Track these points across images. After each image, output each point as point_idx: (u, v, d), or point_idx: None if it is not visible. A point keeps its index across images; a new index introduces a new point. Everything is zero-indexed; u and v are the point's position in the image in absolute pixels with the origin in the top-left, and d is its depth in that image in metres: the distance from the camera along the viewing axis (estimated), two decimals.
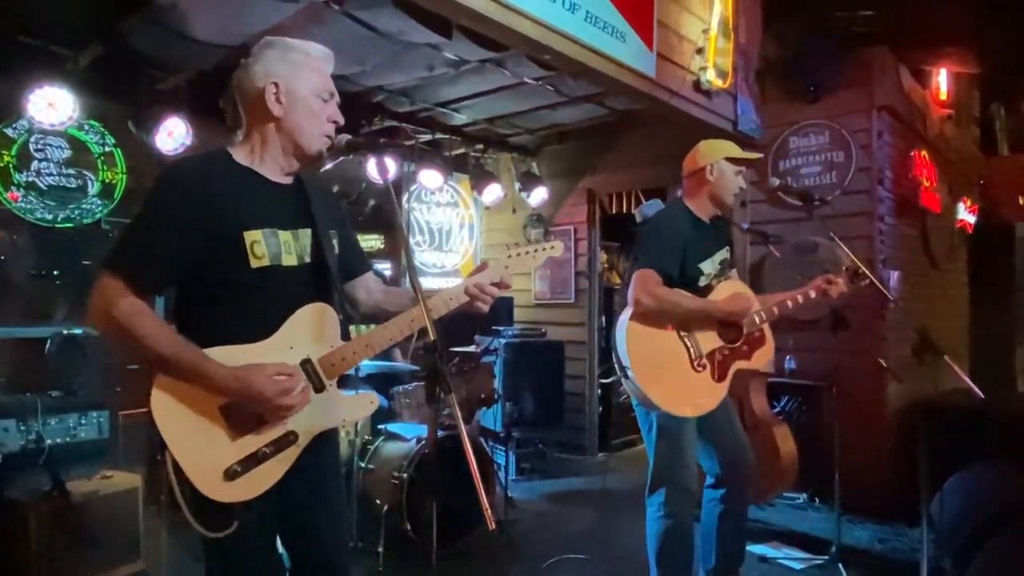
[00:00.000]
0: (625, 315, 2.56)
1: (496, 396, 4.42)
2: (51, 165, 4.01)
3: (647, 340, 2.52)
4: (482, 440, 4.09)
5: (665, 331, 2.54)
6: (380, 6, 3.16)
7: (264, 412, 1.50)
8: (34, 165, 3.94)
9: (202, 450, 1.47)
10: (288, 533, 1.68)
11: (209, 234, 1.48)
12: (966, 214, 6.26)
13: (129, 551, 3.27)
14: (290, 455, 1.55)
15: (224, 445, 1.48)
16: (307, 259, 1.64)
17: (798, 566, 3.47)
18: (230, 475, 1.47)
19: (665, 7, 3.88)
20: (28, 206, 3.92)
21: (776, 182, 3.24)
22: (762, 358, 2.68)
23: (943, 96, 5.64)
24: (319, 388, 1.59)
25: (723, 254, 2.72)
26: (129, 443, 3.92)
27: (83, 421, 3.54)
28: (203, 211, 1.48)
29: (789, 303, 2.64)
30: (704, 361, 2.56)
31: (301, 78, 1.59)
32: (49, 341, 3.77)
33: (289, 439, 1.54)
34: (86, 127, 4.09)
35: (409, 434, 3.65)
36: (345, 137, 1.69)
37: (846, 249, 2.62)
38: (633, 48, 3.61)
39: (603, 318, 6.04)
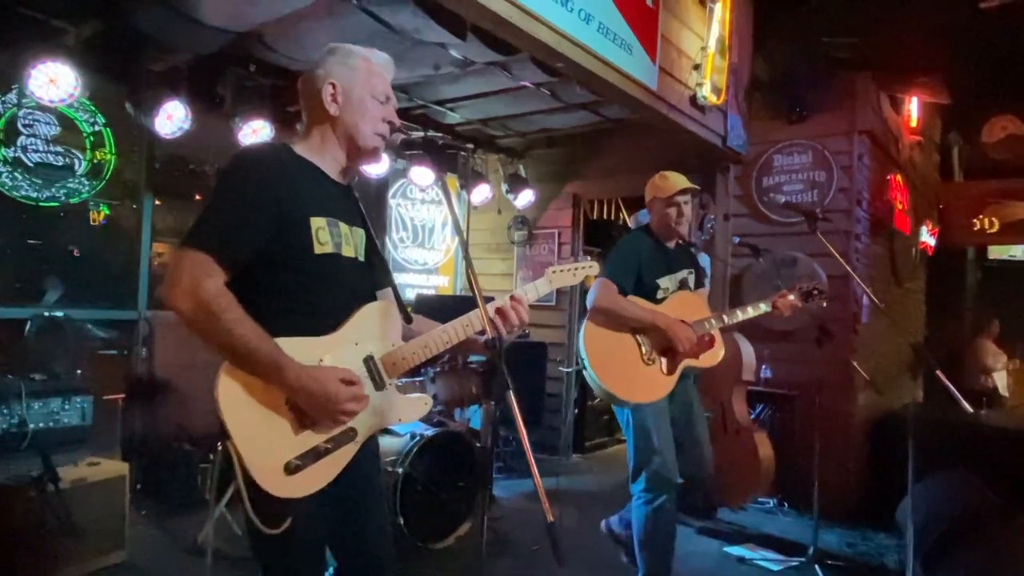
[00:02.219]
0: (586, 318, 2.92)
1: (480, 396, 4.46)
2: (38, 142, 3.89)
3: (602, 337, 2.85)
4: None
5: (619, 331, 2.86)
6: (400, 3, 3.18)
7: (328, 415, 1.49)
8: (20, 141, 3.82)
9: (264, 443, 1.45)
10: (338, 532, 1.66)
11: (280, 216, 1.49)
12: (928, 236, 6.59)
13: (114, 540, 3.22)
14: (348, 452, 1.56)
15: (286, 439, 1.47)
16: (361, 257, 1.68)
17: (775, 567, 3.61)
18: (290, 469, 1.45)
19: (668, 23, 3.99)
20: (13, 183, 3.79)
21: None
22: (710, 359, 2.95)
23: (913, 123, 5.92)
24: (379, 386, 1.60)
25: (684, 275, 3.05)
26: (105, 430, 3.84)
27: (66, 406, 3.44)
28: (277, 192, 1.49)
29: (739, 312, 2.98)
30: (654, 356, 2.87)
31: (358, 80, 1.63)
32: (29, 323, 3.66)
33: (349, 435, 1.55)
34: (76, 105, 3.98)
35: (403, 429, 3.66)
36: (400, 137, 1.73)
37: (849, 267, 2.76)
38: (638, 60, 3.71)
39: (583, 321, 6.13)
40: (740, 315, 2.96)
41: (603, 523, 3.35)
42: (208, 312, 1.38)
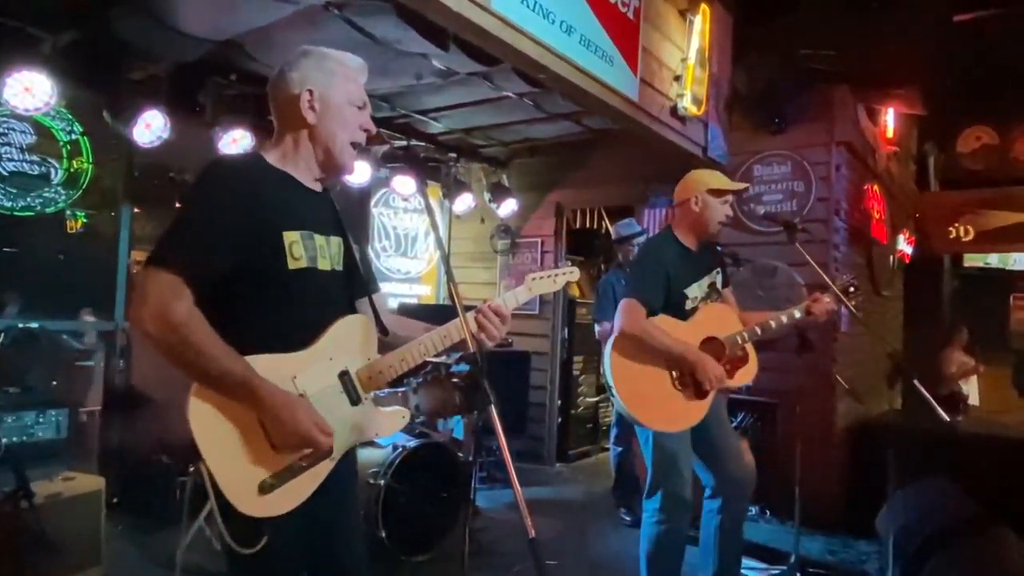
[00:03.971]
0: (611, 340, 2.72)
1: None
2: (13, 150, 3.83)
3: (630, 363, 2.68)
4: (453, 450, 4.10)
5: (648, 356, 2.68)
6: (382, 14, 3.18)
7: (289, 448, 1.47)
8: None
9: (237, 462, 1.42)
10: (314, 549, 1.63)
11: (252, 232, 1.46)
12: (905, 245, 6.68)
13: (91, 556, 3.15)
14: (323, 469, 1.53)
15: (260, 458, 1.44)
16: (338, 267, 1.65)
17: None
18: (264, 489, 1.43)
19: (648, 35, 4.03)
20: None
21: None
22: (744, 376, 2.81)
23: (890, 134, 6.02)
24: (355, 401, 1.59)
25: (712, 277, 2.87)
26: (81, 443, 3.78)
27: (40, 420, 3.38)
28: (249, 207, 1.46)
29: (772, 323, 2.77)
30: (686, 380, 2.68)
31: (335, 86, 1.60)
32: (2, 334, 3.59)
33: (324, 453, 1.52)
34: (52, 113, 3.93)
35: (385, 441, 3.64)
36: (382, 149, 1.73)
37: (827, 277, 2.79)
38: (620, 72, 3.74)
39: (566, 330, 6.15)
40: (773, 325, 2.76)
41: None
42: (177, 335, 1.35)
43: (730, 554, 2.90)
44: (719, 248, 3.08)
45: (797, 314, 2.78)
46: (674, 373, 2.69)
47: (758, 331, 2.76)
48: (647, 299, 2.66)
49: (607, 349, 2.74)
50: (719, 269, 2.92)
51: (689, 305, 2.78)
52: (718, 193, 2.79)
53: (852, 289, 2.79)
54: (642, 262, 2.87)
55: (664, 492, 2.71)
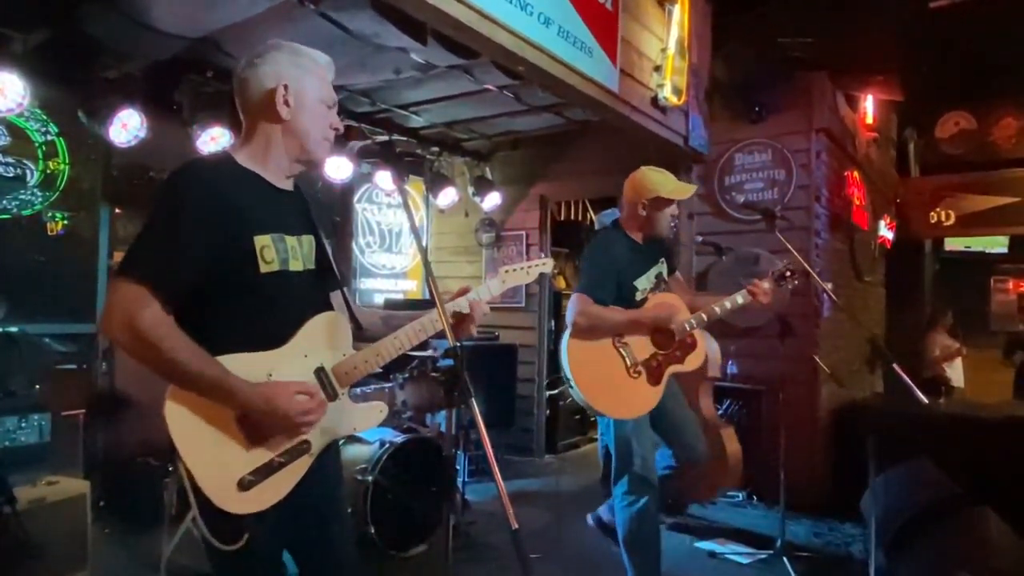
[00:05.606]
0: (566, 333, 2.86)
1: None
2: None
3: (585, 354, 2.81)
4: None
5: (601, 344, 2.82)
6: (358, 8, 3.16)
7: (284, 430, 1.49)
8: None
9: (216, 461, 1.44)
10: (299, 543, 1.65)
11: (222, 237, 1.45)
12: (886, 231, 6.75)
13: (76, 560, 3.13)
14: (302, 465, 1.54)
15: (238, 455, 1.46)
16: (311, 266, 1.65)
17: (745, 560, 3.68)
18: (244, 486, 1.44)
19: (628, 25, 4.02)
20: None
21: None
22: (694, 361, 2.96)
23: (869, 120, 6.07)
24: (332, 397, 1.59)
25: (658, 268, 3.00)
26: (65, 446, 3.75)
27: (23, 424, 3.37)
28: (218, 213, 1.45)
29: (717, 308, 2.88)
30: (640, 368, 2.84)
31: (308, 83, 1.59)
32: None
33: (302, 448, 1.54)
34: (26, 114, 3.87)
35: (372, 436, 3.64)
36: (358, 144, 1.72)
37: (807, 265, 2.82)
38: (599, 63, 3.74)
39: (552, 322, 6.16)
40: (718, 311, 2.88)
41: (589, 517, 3.36)
42: (146, 343, 1.36)
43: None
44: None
45: (740, 300, 2.88)
46: (627, 360, 2.82)
47: (704, 317, 2.88)
48: (597, 295, 2.79)
49: (563, 344, 2.86)
50: (663, 258, 3.05)
51: (639, 296, 2.92)
52: (664, 203, 2.91)
53: (788, 274, 2.91)
54: (592, 258, 2.96)
55: (629, 475, 2.84)
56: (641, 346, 2.85)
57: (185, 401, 1.43)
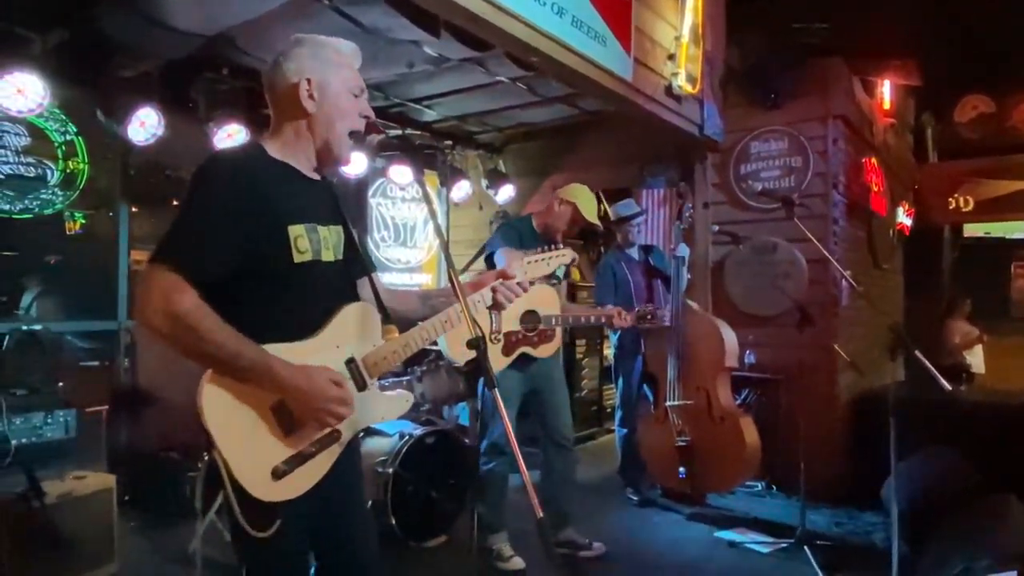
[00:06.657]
0: None
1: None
2: (8, 153, 3.83)
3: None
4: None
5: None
6: (371, 2, 3.16)
7: (317, 415, 1.48)
8: None
9: (251, 449, 1.45)
10: (322, 534, 1.66)
11: (256, 227, 1.46)
12: (904, 217, 6.67)
13: (104, 554, 3.19)
14: (333, 453, 1.56)
15: (272, 444, 1.47)
16: (340, 256, 1.67)
17: (765, 550, 3.66)
18: (278, 474, 1.45)
19: (641, 13, 3.99)
20: None
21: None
22: (546, 351, 3.37)
23: (887, 106, 5.99)
24: (362, 387, 1.60)
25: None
26: (90, 442, 3.81)
27: (49, 420, 3.42)
28: (251, 202, 1.46)
29: (582, 318, 3.49)
30: (500, 336, 3.22)
31: (333, 74, 1.60)
32: (7, 337, 3.60)
33: (333, 437, 1.54)
34: (46, 114, 3.92)
35: (391, 429, 3.66)
36: (377, 138, 1.73)
37: (826, 252, 2.78)
38: (613, 52, 3.71)
39: None
40: (582, 320, 3.49)
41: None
42: (185, 326, 1.36)
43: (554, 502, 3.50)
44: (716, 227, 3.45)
45: (594, 320, 3.48)
46: (493, 326, 3.11)
47: (569, 319, 3.41)
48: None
49: None
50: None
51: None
52: (580, 219, 3.40)
53: (649, 317, 3.42)
54: (500, 230, 3.43)
55: (488, 441, 3.32)
56: (510, 321, 3.24)
57: (221, 389, 1.43)
